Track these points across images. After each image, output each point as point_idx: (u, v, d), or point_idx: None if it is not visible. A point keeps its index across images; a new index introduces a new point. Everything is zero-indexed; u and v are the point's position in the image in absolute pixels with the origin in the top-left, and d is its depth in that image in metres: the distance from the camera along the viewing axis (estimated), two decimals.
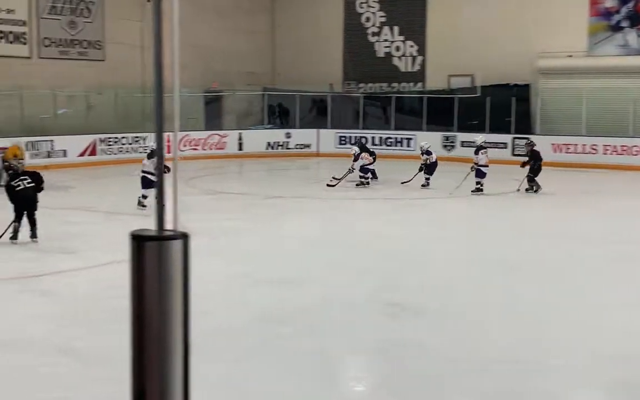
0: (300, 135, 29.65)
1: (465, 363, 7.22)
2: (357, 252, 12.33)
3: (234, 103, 30.86)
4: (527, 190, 19.38)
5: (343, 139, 29.19)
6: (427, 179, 20.36)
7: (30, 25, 26.55)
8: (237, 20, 30.67)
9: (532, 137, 24.91)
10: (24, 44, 26.50)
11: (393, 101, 30.27)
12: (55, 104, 26.05)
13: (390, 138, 29.14)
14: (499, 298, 9.65)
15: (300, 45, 32.64)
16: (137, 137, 26.70)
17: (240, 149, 28.26)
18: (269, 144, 28.83)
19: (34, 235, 12.61)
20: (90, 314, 8.70)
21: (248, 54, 31.47)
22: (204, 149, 27.42)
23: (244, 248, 12.48)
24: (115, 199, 17.92)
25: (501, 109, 27.41)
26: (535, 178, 19.45)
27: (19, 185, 12.85)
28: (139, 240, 3.25)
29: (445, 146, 27.88)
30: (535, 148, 20.04)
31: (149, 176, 14.89)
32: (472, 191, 18.97)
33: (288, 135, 29.47)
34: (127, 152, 26.53)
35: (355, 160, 20.60)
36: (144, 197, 15.72)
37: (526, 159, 19.91)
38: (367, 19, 32.51)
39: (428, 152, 20.46)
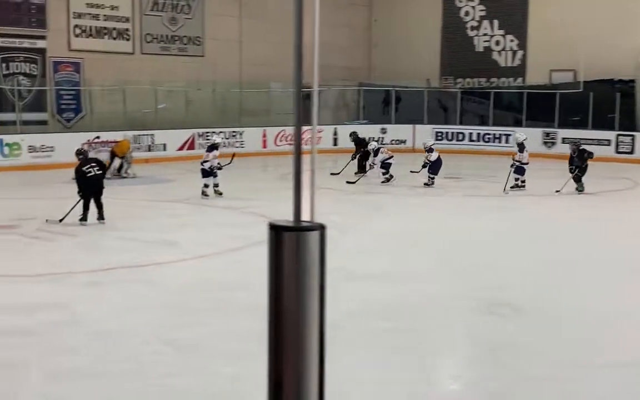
0: (396, 131, 29.50)
1: (569, 366, 7.03)
2: (455, 249, 12.18)
3: (329, 98, 30.79)
4: (577, 190, 18.26)
5: (440, 134, 28.95)
6: (432, 178, 19.29)
7: (133, 21, 27.31)
8: (334, 15, 30.47)
9: (637, 134, 25.73)
10: (127, 40, 27.26)
11: (492, 96, 29.85)
12: (156, 99, 26.69)
13: (487, 134, 28.79)
14: (606, 300, 9.33)
15: (397, 40, 32.49)
16: (234, 131, 27.13)
17: (335, 144, 28.10)
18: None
19: (101, 217, 13.50)
20: (191, 304, 8.87)
21: (345, 48, 31.39)
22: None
23: (339, 243, 12.46)
24: (211, 192, 18.21)
25: (604, 105, 26.73)
26: (582, 178, 18.32)
27: (89, 172, 13.49)
28: (277, 230, 3.28)
29: (545, 143, 27.47)
30: (582, 147, 18.96)
31: (206, 166, 16.61)
32: (510, 187, 18.48)
33: (383, 131, 29.33)
34: (224, 146, 26.90)
35: (375, 155, 20.21)
36: (206, 186, 16.82)
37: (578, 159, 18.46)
38: (466, 13, 32.13)
39: (430, 150, 19.43)
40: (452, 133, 29.17)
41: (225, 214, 15.40)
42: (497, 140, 28.40)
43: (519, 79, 30.62)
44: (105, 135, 22.42)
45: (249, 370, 6.51)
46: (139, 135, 24.75)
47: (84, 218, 13.40)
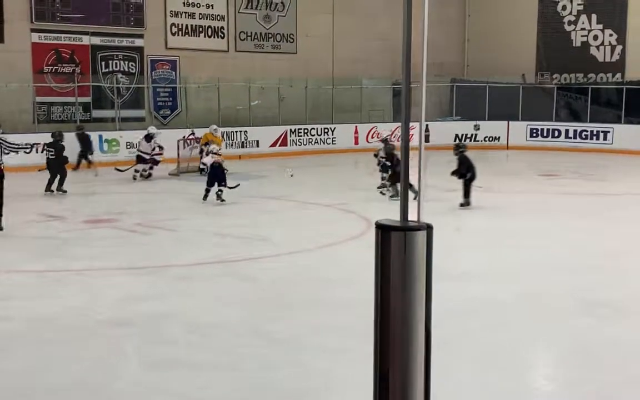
0: (490, 127, 29.11)
1: None
2: (551, 248, 11.83)
3: (420, 95, 30.43)
4: (461, 205, 15.15)
5: (534, 131, 28.53)
6: (386, 185, 16.16)
7: (228, 19, 27.72)
8: (428, 10, 30.13)
9: None
10: (222, 38, 27.69)
11: (589, 92, 29.14)
12: (249, 96, 27.02)
13: (585, 131, 28.07)
14: None
15: (492, 35, 32.06)
16: (326, 128, 27.25)
17: (427, 140, 27.55)
18: (456, 136, 27.82)
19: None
20: (285, 299, 8.91)
21: (437, 44, 30.17)
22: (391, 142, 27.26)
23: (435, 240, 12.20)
24: (304, 189, 18.32)
25: None
26: (469, 190, 15.16)
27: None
28: (384, 230, 3.33)
29: None
30: (467, 153, 15.63)
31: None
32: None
33: (477, 127, 28.98)
34: (316, 143, 27.06)
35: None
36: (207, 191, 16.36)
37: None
38: (564, 7, 31.39)
39: (385, 142, 16.46)
40: (548, 130, 28.61)
41: (317, 210, 15.43)
42: (594, 138, 27.73)
43: (618, 75, 29.81)
44: (200, 132, 22.80)
45: (344, 366, 6.52)
46: (233, 131, 25.10)
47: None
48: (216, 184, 15.39)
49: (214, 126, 21.73)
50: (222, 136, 22.39)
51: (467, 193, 14.93)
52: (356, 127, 27.79)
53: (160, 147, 20.05)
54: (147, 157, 19.87)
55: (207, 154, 17.19)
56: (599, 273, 10.23)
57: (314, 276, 10.02)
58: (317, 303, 8.66)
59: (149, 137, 20.08)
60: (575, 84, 30.50)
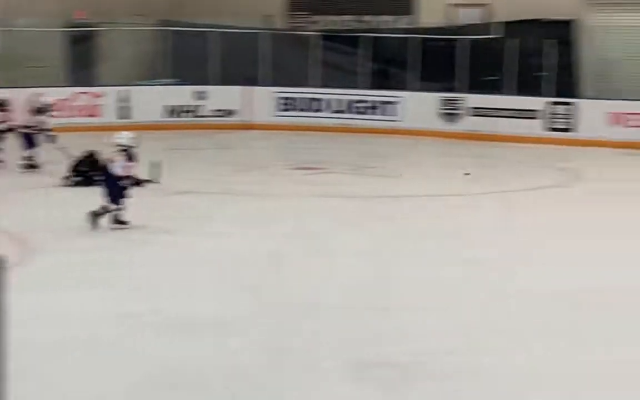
0: (219, 96, 23.45)
1: None
2: None
3: (113, 44, 24.88)
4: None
5: (286, 102, 23.44)
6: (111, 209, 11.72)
7: None
8: None
9: (578, 102, 21.31)
10: None
11: (367, 44, 23.77)
12: None
13: (361, 101, 23.12)
14: None
15: None
16: None
17: (124, 116, 21.89)
18: (169, 108, 23.06)
19: None
20: None
21: None
22: (68, 117, 20.76)
23: None
24: None
25: (531, 58, 22.17)
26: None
27: None
28: None
29: (446, 113, 22.01)
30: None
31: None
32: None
33: (200, 96, 23.12)
34: None
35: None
36: None
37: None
38: None
39: (125, 152, 12.06)
40: (306, 100, 23.49)
41: None
42: (375, 110, 23.04)
43: (407, 18, 25.00)
44: None
45: None
46: None
47: None
48: None
49: None
50: None
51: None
52: None
53: None
54: None
55: None
56: None
57: None
58: None
59: None
60: (345, 31, 25.49)
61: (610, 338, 7.81)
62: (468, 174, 16.60)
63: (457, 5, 24.18)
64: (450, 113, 22.20)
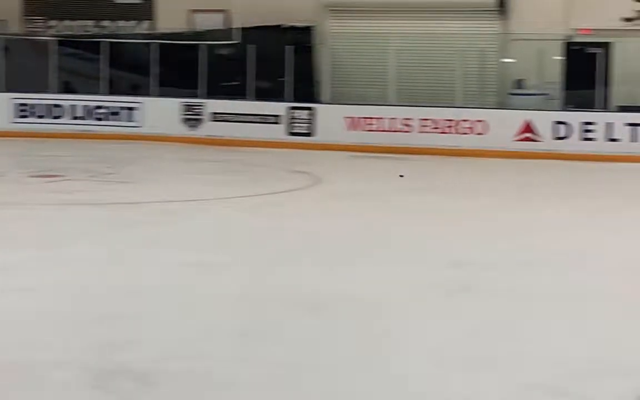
0: None
1: None
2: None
3: None
4: None
5: (25, 108, 22.41)
6: None
7: None
8: None
9: (317, 107, 21.57)
10: None
11: (107, 50, 23.14)
12: None
13: (101, 107, 22.39)
14: None
15: None
16: None
17: None
18: None
19: None
20: None
21: None
22: None
23: None
24: None
25: (272, 64, 22.06)
26: None
27: None
28: None
29: (187, 120, 21.60)
30: None
31: None
32: None
33: None
34: None
35: None
36: None
37: None
38: None
39: None
40: (44, 106, 22.58)
41: None
42: (115, 117, 22.37)
43: (146, 23, 24.48)
44: None
45: None
46: None
47: None
48: None
49: None
50: None
51: None
52: None
53: None
54: None
55: None
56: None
57: None
58: None
59: None
60: (83, 37, 24.50)
61: None
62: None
63: (196, 11, 23.66)
64: (191, 118, 21.82)
